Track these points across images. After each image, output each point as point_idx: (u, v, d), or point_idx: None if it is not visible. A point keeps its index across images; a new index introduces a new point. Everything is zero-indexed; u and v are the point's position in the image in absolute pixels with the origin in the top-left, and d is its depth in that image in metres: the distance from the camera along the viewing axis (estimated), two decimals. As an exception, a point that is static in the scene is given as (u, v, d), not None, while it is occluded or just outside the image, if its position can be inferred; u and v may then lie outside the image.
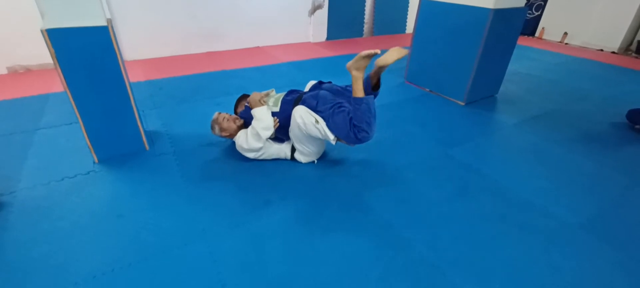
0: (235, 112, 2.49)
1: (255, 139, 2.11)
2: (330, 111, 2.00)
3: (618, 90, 3.89)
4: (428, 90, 3.65)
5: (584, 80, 4.23)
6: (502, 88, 3.67)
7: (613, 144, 2.70)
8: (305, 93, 2.21)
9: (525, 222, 1.84)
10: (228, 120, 2.24)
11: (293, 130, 2.10)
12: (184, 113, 2.97)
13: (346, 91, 2.19)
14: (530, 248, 1.67)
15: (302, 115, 1.99)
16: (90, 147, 2.17)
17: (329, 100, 2.05)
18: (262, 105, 2.16)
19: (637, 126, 2.92)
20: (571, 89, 3.90)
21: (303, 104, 2.08)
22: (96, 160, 2.22)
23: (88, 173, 2.12)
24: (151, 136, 2.55)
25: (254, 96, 2.20)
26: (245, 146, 2.15)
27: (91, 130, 2.12)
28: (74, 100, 1.99)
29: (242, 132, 2.20)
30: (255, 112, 2.12)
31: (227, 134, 2.25)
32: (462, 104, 3.33)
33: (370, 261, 1.57)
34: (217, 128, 2.25)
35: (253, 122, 2.12)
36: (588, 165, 2.39)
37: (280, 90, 2.40)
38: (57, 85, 3.43)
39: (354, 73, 1.95)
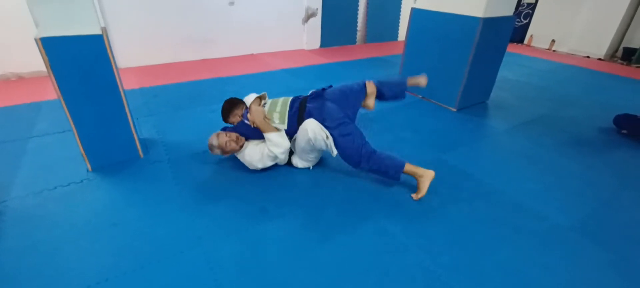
0: (227, 120, 2.37)
1: (271, 160, 2.16)
2: (338, 130, 2.05)
3: (605, 96, 3.98)
4: (420, 96, 3.70)
5: (572, 86, 4.32)
6: (492, 94, 3.73)
7: (602, 148, 2.76)
8: (308, 102, 2.15)
9: (518, 225, 1.87)
10: (230, 142, 2.13)
11: (300, 142, 2.11)
12: (179, 120, 2.97)
13: (350, 95, 2.18)
14: (523, 250, 1.70)
15: (314, 130, 2.00)
16: (84, 155, 2.15)
17: (335, 115, 2.07)
18: (267, 122, 2.12)
19: (623, 131, 2.99)
20: (560, 94, 3.98)
21: (309, 117, 2.08)
22: (90, 169, 2.20)
23: (82, 181, 2.10)
24: (145, 144, 2.54)
25: (257, 114, 2.12)
26: (259, 166, 2.16)
27: (85, 138, 2.11)
28: (68, 108, 1.98)
29: (253, 151, 2.16)
30: (271, 137, 2.09)
31: (229, 154, 2.22)
32: (454, 110, 3.39)
33: (367, 266, 1.58)
34: (219, 152, 2.15)
35: (269, 145, 2.09)
36: (578, 169, 2.44)
37: (275, 97, 2.40)
38: (50, 93, 3.41)
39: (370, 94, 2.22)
